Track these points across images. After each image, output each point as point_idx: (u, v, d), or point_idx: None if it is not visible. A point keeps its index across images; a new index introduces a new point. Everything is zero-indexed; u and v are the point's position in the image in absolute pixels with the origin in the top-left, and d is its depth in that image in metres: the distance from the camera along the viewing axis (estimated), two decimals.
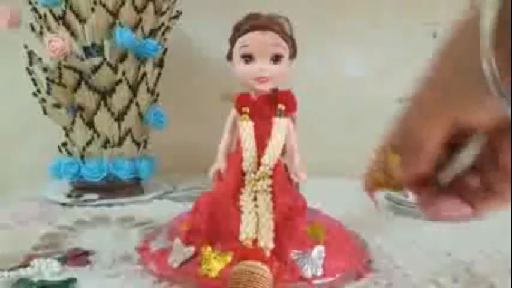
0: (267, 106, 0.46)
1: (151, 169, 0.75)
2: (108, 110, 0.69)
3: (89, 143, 0.70)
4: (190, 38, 0.92)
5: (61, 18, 0.68)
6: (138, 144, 0.74)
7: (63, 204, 0.68)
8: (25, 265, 0.43)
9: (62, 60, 0.67)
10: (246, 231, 0.39)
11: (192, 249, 0.42)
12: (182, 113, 0.86)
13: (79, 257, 0.46)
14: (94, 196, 0.70)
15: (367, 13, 0.90)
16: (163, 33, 0.76)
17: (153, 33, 0.73)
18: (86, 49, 0.69)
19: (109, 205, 0.68)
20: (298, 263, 0.40)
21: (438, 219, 0.27)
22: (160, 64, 0.75)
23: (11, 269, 0.42)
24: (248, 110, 0.46)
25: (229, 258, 0.40)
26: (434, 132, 0.22)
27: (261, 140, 0.45)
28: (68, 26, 0.68)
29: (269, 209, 0.41)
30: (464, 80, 0.20)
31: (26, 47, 0.69)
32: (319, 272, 0.40)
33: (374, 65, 0.92)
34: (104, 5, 0.67)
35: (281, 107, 0.45)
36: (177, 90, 0.85)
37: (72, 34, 0.69)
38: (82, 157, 0.71)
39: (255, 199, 0.42)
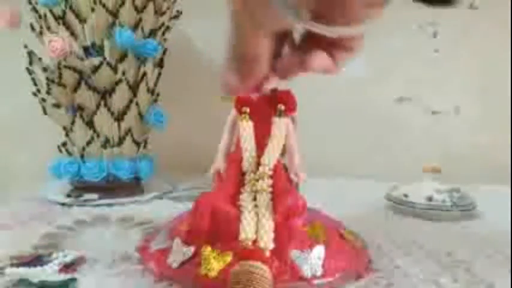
0: (267, 106, 0.46)
1: (151, 169, 0.75)
2: (108, 110, 0.69)
3: (88, 143, 0.70)
4: (190, 38, 0.92)
5: (61, 18, 0.68)
6: (138, 144, 0.74)
7: (63, 204, 0.68)
8: (25, 265, 0.43)
9: (62, 60, 0.67)
10: (246, 231, 0.39)
11: (191, 249, 0.42)
12: (182, 113, 0.87)
13: (70, 267, 0.45)
14: (94, 196, 0.70)
15: None
16: (163, 33, 0.76)
17: (153, 33, 0.73)
18: (86, 49, 0.69)
19: (109, 205, 0.68)
20: (298, 263, 0.40)
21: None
22: (160, 64, 0.75)
23: (11, 269, 0.42)
24: (248, 110, 0.46)
25: (229, 258, 0.40)
26: (261, 43, 0.25)
27: (261, 140, 0.45)
28: (68, 26, 0.68)
29: (269, 209, 0.41)
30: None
31: (26, 47, 0.69)
32: (319, 272, 0.40)
33: (374, 65, 0.92)
34: (104, 5, 0.67)
35: (281, 107, 0.45)
36: (177, 90, 0.85)
37: (72, 34, 0.69)
38: (82, 157, 0.71)
39: (254, 199, 0.42)
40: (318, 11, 0.23)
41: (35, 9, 0.70)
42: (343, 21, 0.24)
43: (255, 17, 0.24)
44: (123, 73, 0.69)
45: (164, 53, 0.76)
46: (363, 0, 0.24)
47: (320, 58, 0.27)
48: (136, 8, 0.70)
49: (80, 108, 0.70)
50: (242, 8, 0.24)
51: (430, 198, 0.64)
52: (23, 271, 0.42)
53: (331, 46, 0.27)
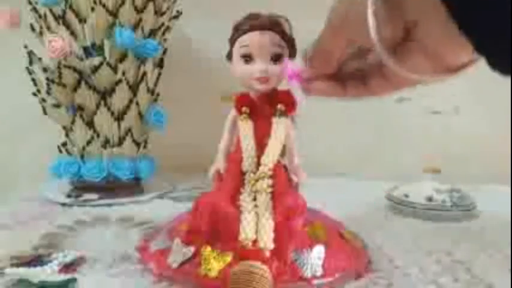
0: (267, 106, 0.46)
1: (151, 169, 0.75)
2: (108, 110, 0.69)
3: (88, 142, 0.70)
4: (190, 38, 0.92)
5: (61, 18, 0.68)
6: (138, 144, 0.74)
7: (63, 204, 0.68)
8: (25, 265, 0.43)
9: (62, 60, 0.67)
10: (246, 231, 0.39)
11: (191, 249, 0.42)
12: (182, 113, 0.86)
13: (70, 267, 0.45)
14: (94, 196, 0.70)
15: None
16: (163, 33, 0.76)
17: (153, 33, 0.73)
18: (86, 49, 0.69)
19: (109, 205, 0.68)
20: (298, 263, 0.40)
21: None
22: (160, 64, 0.75)
23: (11, 269, 0.42)
24: (248, 110, 0.46)
25: (228, 258, 0.40)
26: (337, 44, 0.30)
27: (261, 140, 0.45)
28: (68, 26, 0.68)
29: (269, 209, 0.41)
30: (355, 16, 0.27)
31: (26, 47, 0.69)
32: (319, 272, 0.40)
33: None
34: (104, 5, 0.67)
35: (280, 107, 0.45)
36: (177, 90, 0.85)
37: (72, 34, 0.69)
38: (82, 157, 0.71)
39: (254, 199, 0.42)
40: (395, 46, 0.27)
41: (35, 9, 0.70)
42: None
43: (342, 23, 0.28)
44: (123, 73, 0.69)
45: (164, 53, 0.76)
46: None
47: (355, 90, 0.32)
48: (136, 8, 0.70)
49: (80, 108, 0.70)
50: (341, 11, 0.29)
51: (430, 198, 0.64)
52: (23, 271, 0.42)
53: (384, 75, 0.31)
